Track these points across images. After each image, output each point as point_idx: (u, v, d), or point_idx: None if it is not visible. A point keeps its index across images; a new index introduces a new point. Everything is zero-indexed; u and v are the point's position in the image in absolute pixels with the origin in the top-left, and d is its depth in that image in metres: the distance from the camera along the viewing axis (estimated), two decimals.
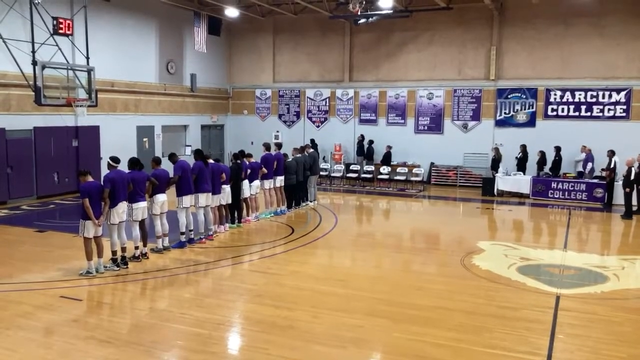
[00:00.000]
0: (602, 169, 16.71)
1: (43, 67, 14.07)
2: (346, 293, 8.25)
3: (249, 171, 12.86)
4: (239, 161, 12.62)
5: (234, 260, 10.13)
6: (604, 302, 8.01)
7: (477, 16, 19.97)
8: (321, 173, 19.28)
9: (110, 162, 9.29)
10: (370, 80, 22.03)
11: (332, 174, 21.35)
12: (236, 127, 24.45)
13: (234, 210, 12.65)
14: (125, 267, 9.24)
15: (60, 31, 14.79)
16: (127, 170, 9.59)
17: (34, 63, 14.08)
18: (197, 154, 11.47)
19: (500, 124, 20.11)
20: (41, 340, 6.45)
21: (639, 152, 15.52)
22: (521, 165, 18.56)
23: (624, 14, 18.26)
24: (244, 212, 13.08)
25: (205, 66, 22.78)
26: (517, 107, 19.82)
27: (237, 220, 12.71)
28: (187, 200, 10.73)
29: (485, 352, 6.21)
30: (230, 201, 12.16)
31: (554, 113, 19.37)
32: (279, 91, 23.49)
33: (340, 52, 22.41)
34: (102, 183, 9.03)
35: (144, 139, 19.93)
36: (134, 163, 9.68)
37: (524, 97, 19.70)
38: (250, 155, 13.33)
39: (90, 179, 8.82)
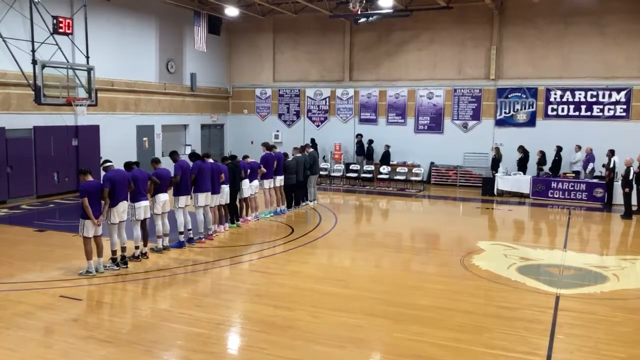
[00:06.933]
0: (603, 164, 16.68)
1: (43, 66, 14.07)
2: (346, 293, 8.25)
3: (248, 171, 12.86)
4: (229, 160, 12.56)
5: (234, 260, 10.13)
6: (603, 302, 8.01)
7: (477, 15, 19.97)
8: (321, 173, 19.26)
9: (105, 164, 9.29)
10: (370, 79, 22.01)
11: (332, 174, 21.33)
12: (236, 127, 24.44)
13: (234, 210, 12.65)
14: (125, 266, 9.24)
15: (60, 30, 14.78)
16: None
17: (34, 62, 14.08)
18: (192, 156, 11.48)
19: (500, 123, 20.09)
20: (41, 340, 6.45)
21: (639, 152, 15.53)
22: (521, 165, 18.55)
23: (624, 13, 18.25)
24: (244, 212, 13.09)
25: (205, 65, 22.76)
26: (517, 106, 19.81)
27: (236, 220, 12.71)
28: (183, 200, 10.73)
29: (485, 352, 6.21)
30: (229, 201, 12.16)
31: (554, 113, 19.35)
32: (279, 90, 23.47)
33: (340, 52, 22.39)
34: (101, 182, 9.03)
35: (144, 139, 19.91)
36: (129, 165, 9.67)
37: (524, 96, 19.69)
38: (246, 157, 13.34)
39: (90, 178, 8.81)
